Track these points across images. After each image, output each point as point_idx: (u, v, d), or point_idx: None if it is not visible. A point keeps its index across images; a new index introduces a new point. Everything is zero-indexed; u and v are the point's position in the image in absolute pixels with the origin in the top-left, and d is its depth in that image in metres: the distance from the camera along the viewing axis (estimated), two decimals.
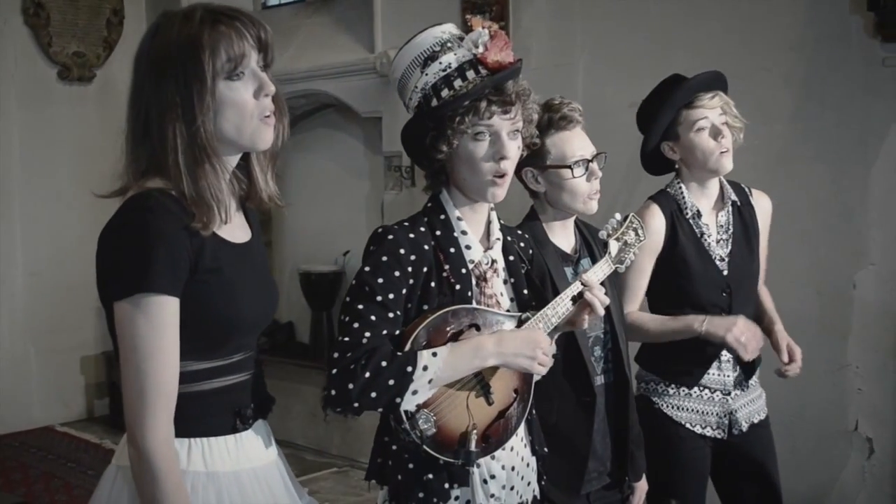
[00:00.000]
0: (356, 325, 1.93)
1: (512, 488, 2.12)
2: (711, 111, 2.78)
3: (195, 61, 1.66)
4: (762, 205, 2.98)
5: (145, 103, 1.70)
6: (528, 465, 2.18)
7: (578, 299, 2.14)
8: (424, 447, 1.95)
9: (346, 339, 1.92)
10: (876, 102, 3.77)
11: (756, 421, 2.92)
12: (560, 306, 2.11)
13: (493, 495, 2.07)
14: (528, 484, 2.19)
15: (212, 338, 1.74)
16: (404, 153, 2.21)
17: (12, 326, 6.54)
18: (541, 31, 4.78)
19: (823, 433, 3.94)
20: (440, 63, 2.03)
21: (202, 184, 1.69)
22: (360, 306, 1.95)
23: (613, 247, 2.29)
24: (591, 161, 2.43)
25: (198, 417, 1.74)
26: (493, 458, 2.07)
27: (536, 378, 2.20)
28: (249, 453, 1.82)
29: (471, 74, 2.03)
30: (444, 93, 2.02)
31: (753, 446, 2.92)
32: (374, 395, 1.89)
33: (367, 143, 6.05)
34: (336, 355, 1.91)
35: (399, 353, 1.92)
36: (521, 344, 2.02)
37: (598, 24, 4.61)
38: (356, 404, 1.89)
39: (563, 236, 2.53)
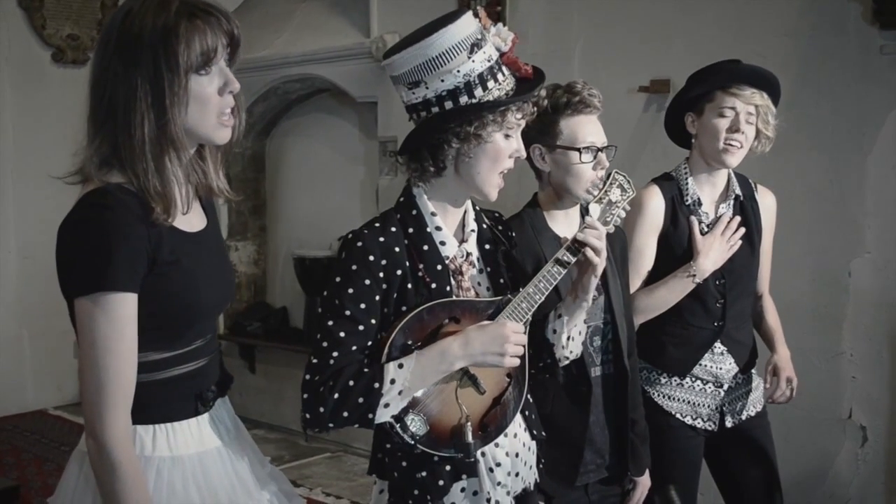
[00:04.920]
0: (325, 343, 1.94)
1: (517, 474, 2.12)
2: (744, 104, 2.75)
3: (170, 52, 1.63)
4: (766, 202, 2.97)
5: (112, 87, 1.67)
6: (529, 449, 2.19)
7: (568, 264, 2.10)
8: (419, 446, 1.96)
9: (315, 360, 1.94)
10: (873, 90, 3.76)
11: (753, 413, 2.92)
12: (542, 281, 2.07)
13: (499, 483, 2.07)
14: (531, 468, 2.20)
15: (173, 327, 1.75)
16: (399, 138, 2.16)
17: (5, 310, 6.53)
18: (537, 17, 4.76)
19: (817, 421, 3.95)
20: (485, 53, 1.99)
21: (166, 174, 1.69)
22: (330, 322, 1.95)
23: (595, 209, 2.20)
24: (600, 150, 2.41)
25: (161, 404, 1.77)
26: (496, 445, 2.07)
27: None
28: (212, 433, 1.85)
29: (506, 70, 2.04)
30: (491, 84, 1.99)
31: (750, 437, 2.92)
32: (345, 414, 1.90)
33: (362, 128, 6.03)
34: (307, 377, 1.94)
35: (367, 370, 1.92)
36: (487, 341, 1.98)
37: (595, 10, 4.59)
38: (331, 424, 1.92)
39: (565, 224, 2.49)
